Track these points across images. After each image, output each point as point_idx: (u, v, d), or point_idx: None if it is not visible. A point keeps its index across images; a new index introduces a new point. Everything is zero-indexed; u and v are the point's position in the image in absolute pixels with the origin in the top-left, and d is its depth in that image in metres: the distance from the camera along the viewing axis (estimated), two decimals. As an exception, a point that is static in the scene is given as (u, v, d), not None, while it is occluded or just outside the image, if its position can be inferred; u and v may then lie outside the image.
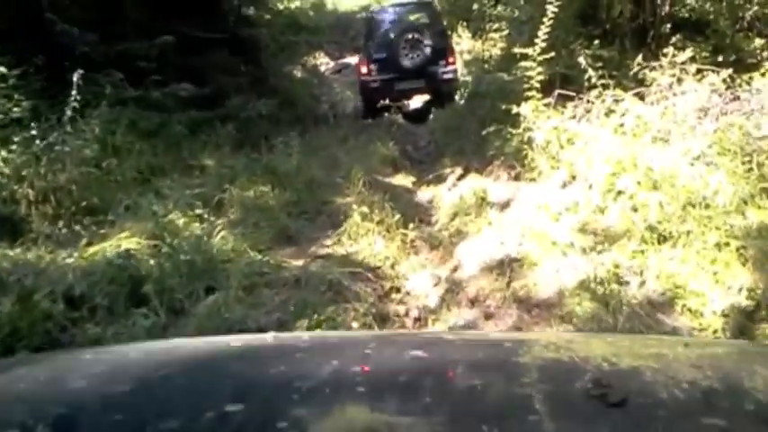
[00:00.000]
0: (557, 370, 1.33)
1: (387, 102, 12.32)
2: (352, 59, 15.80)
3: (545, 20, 7.56)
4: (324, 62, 18.78)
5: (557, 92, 8.05)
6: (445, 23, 16.01)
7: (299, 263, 5.81)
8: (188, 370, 1.35)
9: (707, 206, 5.26)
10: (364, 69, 12.85)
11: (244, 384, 1.23)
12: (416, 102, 13.41)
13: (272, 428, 1.06)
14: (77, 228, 5.90)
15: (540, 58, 7.99)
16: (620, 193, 5.84)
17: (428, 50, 12.58)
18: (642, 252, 5.13)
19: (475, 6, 17.14)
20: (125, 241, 5.35)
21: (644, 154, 6.05)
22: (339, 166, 8.08)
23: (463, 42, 17.19)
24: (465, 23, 17.77)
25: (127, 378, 1.29)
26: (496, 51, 14.62)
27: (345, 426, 1.09)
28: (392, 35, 12.99)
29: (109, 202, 6.52)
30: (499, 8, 16.22)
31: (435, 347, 1.52)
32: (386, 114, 12.47)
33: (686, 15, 9.44)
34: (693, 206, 5.29)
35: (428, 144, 10.04)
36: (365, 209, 6.67)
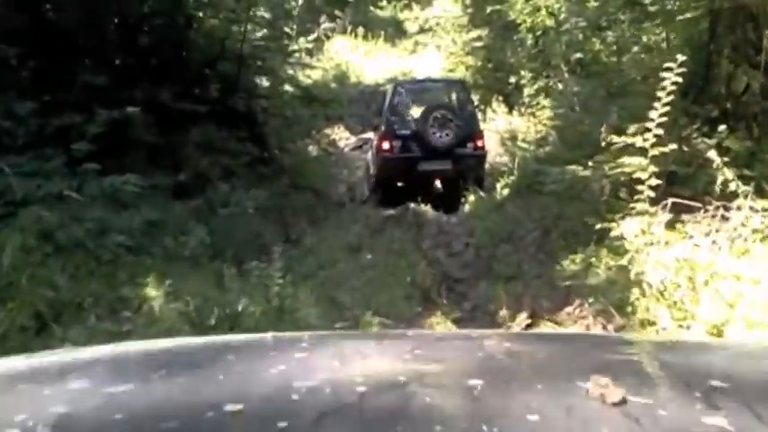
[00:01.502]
0: (557, 370, 1.21)
1: (406, 184, 10.33)
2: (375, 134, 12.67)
3: (661, 94, 5.24)
4: (344, 137, 15.69)
5: (670, 200, 5.42)
6: (477, 99, 14.08)
7: None
8: (188, 370, 1.25)
9: None
10: (386, 145, 10.73)
11: (244, 384, 1.15)
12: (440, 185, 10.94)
13: (272, 428, 0.97)
14: None
15: (653, 152, 5.26)
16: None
17: (457, 130, 10.49)
18: None
19: (512, 79, 14.65)
20: None
21: None
22: (343, 300, 3.53)
23: (499, 119, 14.30)
24: (500, 98, 15.03)
25: (127, 378, 1.20)
26: (542, 128, 12.00)
27: (345, 426, 0.99)
28: (419, 111, 10.94)
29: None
30: (539, 83, 13.71)
31: (435, 347, 1.40)
32: (411, 205, 9.62)
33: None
34: None
35: (466, 249, 8.12)
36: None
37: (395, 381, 1.10)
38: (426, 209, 9.66)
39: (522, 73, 13.47)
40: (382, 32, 20.36)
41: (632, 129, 6.21)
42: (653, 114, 4.89)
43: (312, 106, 13.03)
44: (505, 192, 9.60)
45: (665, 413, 0.99)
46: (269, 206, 8.41)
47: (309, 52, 18.06)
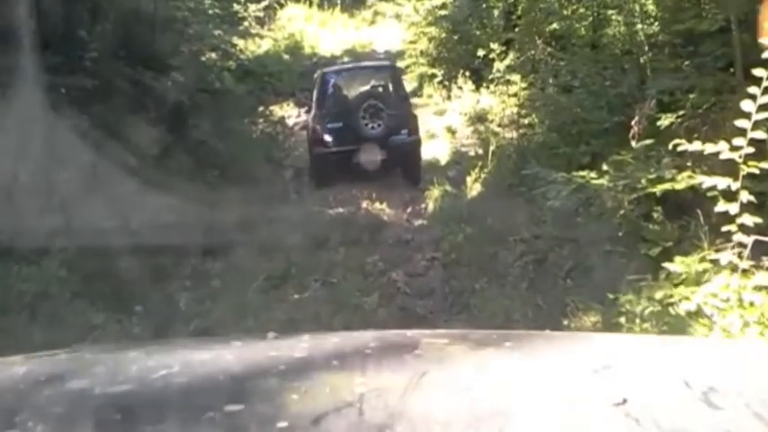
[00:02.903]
0: (557, 370, 1.18)
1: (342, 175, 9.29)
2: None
3: (761, 72, 3.05)
4: (294, 114, 12.80)
5: (752, 238, 3.21)
6: (442, 74, 12.88)
7: None
8: (188, 370, 1.22)
9: None
10: (317, 140, 9.85)
11: (244, 384, 1.13)
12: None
13: (272, 428, 0.94)
14: None
15: (747, 169, 3.10)
16: None
17: (390, 119, 9.59)
18: None
19: (480, 52, 12.05)
20: None
21: None
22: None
23: (465, 96, 12.11)
24: (467, 73, 12.48)
25: (127, 378, 1.18)
26: (519, 109, 9.30)
27: (345, 426, 0.97)
28: (349, 102, 9.99)
29: None
30: (511, 56, 11.01)
31: (435, 347, 1.36)
32: (363, 204, 7.82)
33: None
34: None
35: (431, 266, 6.04)
36: None
37: (395, 381, 1.08)
38: (382, 207, 7.35)
39: (493, 46, 11.62)
40: (339, 1, 17.83)
41: (666, 120, 3.92)
42: (747, 106, 2.61)
43: (264, 81, 11.00)
44: (477, 187, 7.37)
45: (665, 413, 0.95)
46: (183, 211, 5.97)
47: (260, 21, 16.17)
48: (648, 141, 4.37)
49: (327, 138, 9.79)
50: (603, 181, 4.75)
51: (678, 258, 3.92)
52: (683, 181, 3.83)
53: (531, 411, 0.95)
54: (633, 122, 4.65)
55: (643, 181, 4.11)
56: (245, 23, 15.30)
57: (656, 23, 8.60)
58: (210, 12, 12.68)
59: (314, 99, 10.54)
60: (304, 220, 7.80)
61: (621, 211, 4.43)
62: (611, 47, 10.01)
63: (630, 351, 1.30)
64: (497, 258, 5.41)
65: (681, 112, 4.27)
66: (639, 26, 9.10)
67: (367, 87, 10.72)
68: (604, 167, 4.83)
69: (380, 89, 10.68)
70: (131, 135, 7.37)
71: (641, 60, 8.16)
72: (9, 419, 0.95)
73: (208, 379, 1.13)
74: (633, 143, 4.56)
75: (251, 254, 6.24)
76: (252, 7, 16.43)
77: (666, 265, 3.86)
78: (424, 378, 1.07)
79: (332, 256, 6.13)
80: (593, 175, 4.83)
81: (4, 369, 1.29)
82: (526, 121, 9.11)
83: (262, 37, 16.14)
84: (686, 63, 5.85)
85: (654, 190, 3.96)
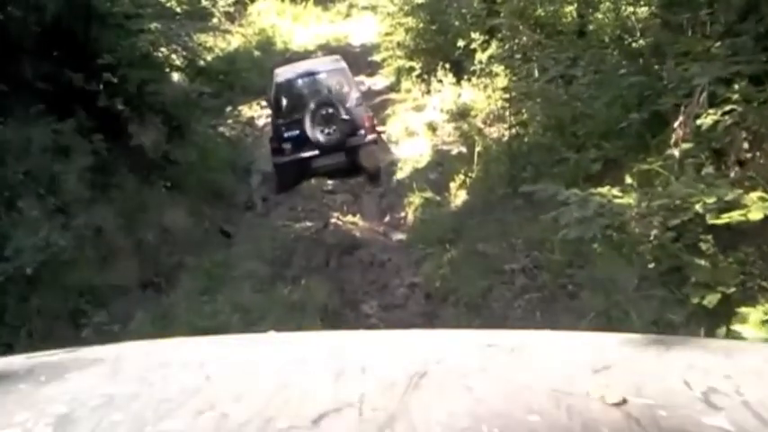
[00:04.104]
0: (557, 370, 1.17)
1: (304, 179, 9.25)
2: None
3: None
4: (264, 114, 11.75)
5: None
6: (420, 67, 11.88)
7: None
8: (188, 370, 1.21)
9: None
10: (276, 149, 9.39)
11: (244, 384, 1.12)
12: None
13: (272, 428, 0.93)
14: None
15: None
16: None
17: (344, 123, 9.18)
18: None
19: (461, 43, 10.72)
20: None
21: None
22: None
23: (445, 90, 10.85)
24: (447, 65, 11.26)
25: (127, 378, 1.18)
26: (506, 104, 7.90)
27: (345, 426, 0.95)
28: (303, 109, 9.30)
29: None
30: (493, 45, 9.68)
31: (435, 347, 1.33)
32: (333, 217, 6.60)
33: None
34: None
35: (411, 294, 4.82)
36: None
37: (395, 381, 1.05)
38: (355, 220, 6.21)
39: (474, 35, 10.50)
40: (312, -6, 16.86)
41: (709, 118, 2.67)
42: None
43: (234, 78, 10.63)
44: (462, 195, 6.22)
45: (664, 413, 0.93)
46: (110, 235, 4.74)
47: (229, 16, 15.04)
48: (687, 146, 3.26)
49: (286, 146, 9.74)
50: (631, 200, 3.56)
51: (753, 316, 2.75)
52: (755, 207, 2.67)
53: (532, 411, 0.91)
54: (677, 124, 3.53)
55: (698, 207, 2.94)
56: (214, 20, 14.11)
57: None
58: (178, 8, 11.45)
59: (272, 105, 10.21)
60: (265, 239, 6.52)
61: (653, 240, 3.30)
62: (600, 33, 8.83)
63: (630, 351, 1.27)
64: (492, 293, 4.27)
65: (727, 108, 3.21)
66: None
67: (320, 91, 10.34)
68: (627, 180, 3.68)
69: (333, 92, 10.29)
70: (55, 144, 6.10)
71: (638, 44, 7.06)
72: (9, 419, 0.93)
73: (208, 379, 1.09)
74: (675, 152, 3.47)
75: (190, 291, 4.95)
76: (221, 2, 15.25)
77: (740, 329, 2.69)
78: (424, 378, 1.04)
79: (289, 294, 4.93)
80: (615, 192, 3.64)
81: (4, 369, 1.26)
82: (515, 119, 8.36)
83: (231, 33, 15.02)
84: (716, 45, 4.64)
85: (718, 221, 2.81)
